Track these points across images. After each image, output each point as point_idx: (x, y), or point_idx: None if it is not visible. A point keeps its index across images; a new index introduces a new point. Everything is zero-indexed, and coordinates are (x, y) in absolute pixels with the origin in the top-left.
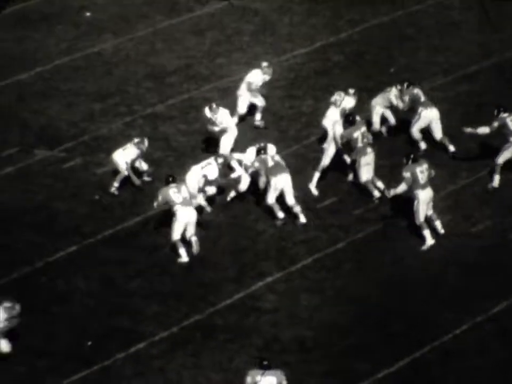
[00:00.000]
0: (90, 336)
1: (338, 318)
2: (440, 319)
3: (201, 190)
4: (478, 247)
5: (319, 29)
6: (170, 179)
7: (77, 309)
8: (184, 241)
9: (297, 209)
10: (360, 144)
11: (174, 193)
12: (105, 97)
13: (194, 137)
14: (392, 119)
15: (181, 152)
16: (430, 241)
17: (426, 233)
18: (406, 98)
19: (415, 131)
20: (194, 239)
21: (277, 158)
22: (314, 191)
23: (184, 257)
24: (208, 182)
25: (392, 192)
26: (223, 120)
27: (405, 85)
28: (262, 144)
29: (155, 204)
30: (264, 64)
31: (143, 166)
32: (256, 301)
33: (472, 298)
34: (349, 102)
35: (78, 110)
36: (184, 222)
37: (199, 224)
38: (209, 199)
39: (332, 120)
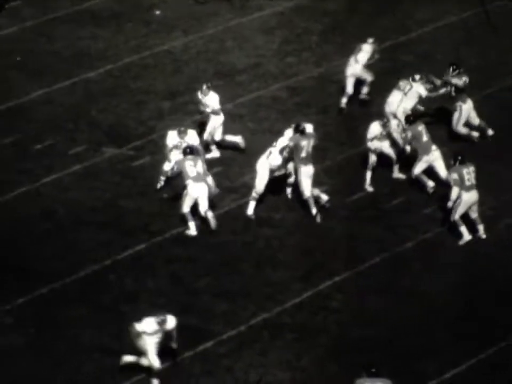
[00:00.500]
0: None
1: (405, 318)
2: (510, 320)
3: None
4: None
5: (388, 29)
6: (188, 150)
7: (145, 307)
8: (194, 214)
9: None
10: (425, 139)
11: (189, 166)
12: (175, 95)
13: (263, 136)
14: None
15: (250, 151)
16: (467, 236)
17: (463, 229)
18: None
19: (460, 128)
20: (210, 214)
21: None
22: (370, 189)
23: (193, 230)
24: (272, 171)
25: (451, 203)
26: (211, 103)
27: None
28: (301, 124)
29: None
30: (370, 40)
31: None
32: (324, 300)
33: None
34: (418, 87)
35: (146, 108)
36: (194, 196)
37: (267, 223)
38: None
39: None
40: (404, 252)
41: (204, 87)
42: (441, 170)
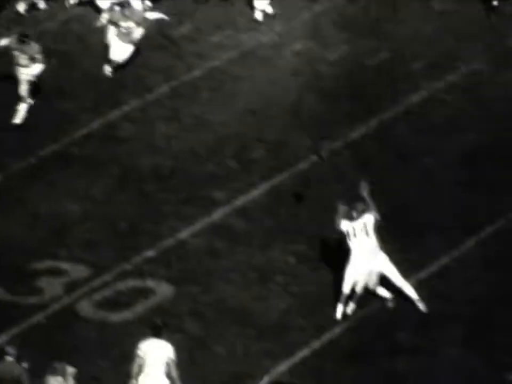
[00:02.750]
0: None
1: (196, 146)
2: (298, 146)
3: None
4: (334, 74)
5: None
6: None
7: None
8: None
9: None
10: None
11: None
12: None
13: None
14: None
15: None
16: None
17: None
18: None
19: None
20: None
21: None
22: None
23: None
24: None
25: None
26: None
27: None
28: None
29: None
30: None
31: None
32: (113, 130)
33: (330, 124)
34: None
35: None
36: None
37: None
38: None
39: None
40: (193, 80)
41: None
42: None
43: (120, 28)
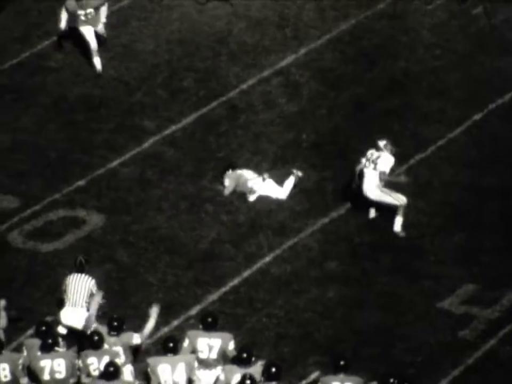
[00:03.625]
0: None
1: (125, 75)
2: (228, 74)
3: None
4: (262, 3)
5: None
6: None
7: None
8: None
9: None
10: None
11: None
12: None
13: None
14: None
15: None
16: None
17: None
18: None
19: None
20: None
21: None
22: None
23: None
24: None
25: None
26: None
27: None
28: None
29: None
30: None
31: None
32: (42, 59)
33: (259, 53)
34: None
35: None
36: None
37: None
38: None
39: None
40: (121, 9)
41: None
42: None
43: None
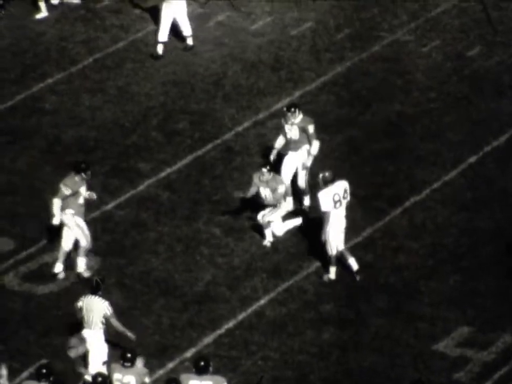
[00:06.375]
0: None
1: (120, 117)
2: (223, 117)
3: None
4: (258, 44)
5: None
6: None
7: None
8: None
9: None
10: None
11: None
12: None
13: None
14: None
15: None
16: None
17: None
18: None
19: None
20: None
21: None
22: None
23: None
24: None
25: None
26: None
27: None
28: None
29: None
30: None
31: None
32: (37, 102)
33: (254, 95)
34: None
35: None
36: None
37: None
38: None
39: None
40: (117, 51)
41: None
42: None
43: None
